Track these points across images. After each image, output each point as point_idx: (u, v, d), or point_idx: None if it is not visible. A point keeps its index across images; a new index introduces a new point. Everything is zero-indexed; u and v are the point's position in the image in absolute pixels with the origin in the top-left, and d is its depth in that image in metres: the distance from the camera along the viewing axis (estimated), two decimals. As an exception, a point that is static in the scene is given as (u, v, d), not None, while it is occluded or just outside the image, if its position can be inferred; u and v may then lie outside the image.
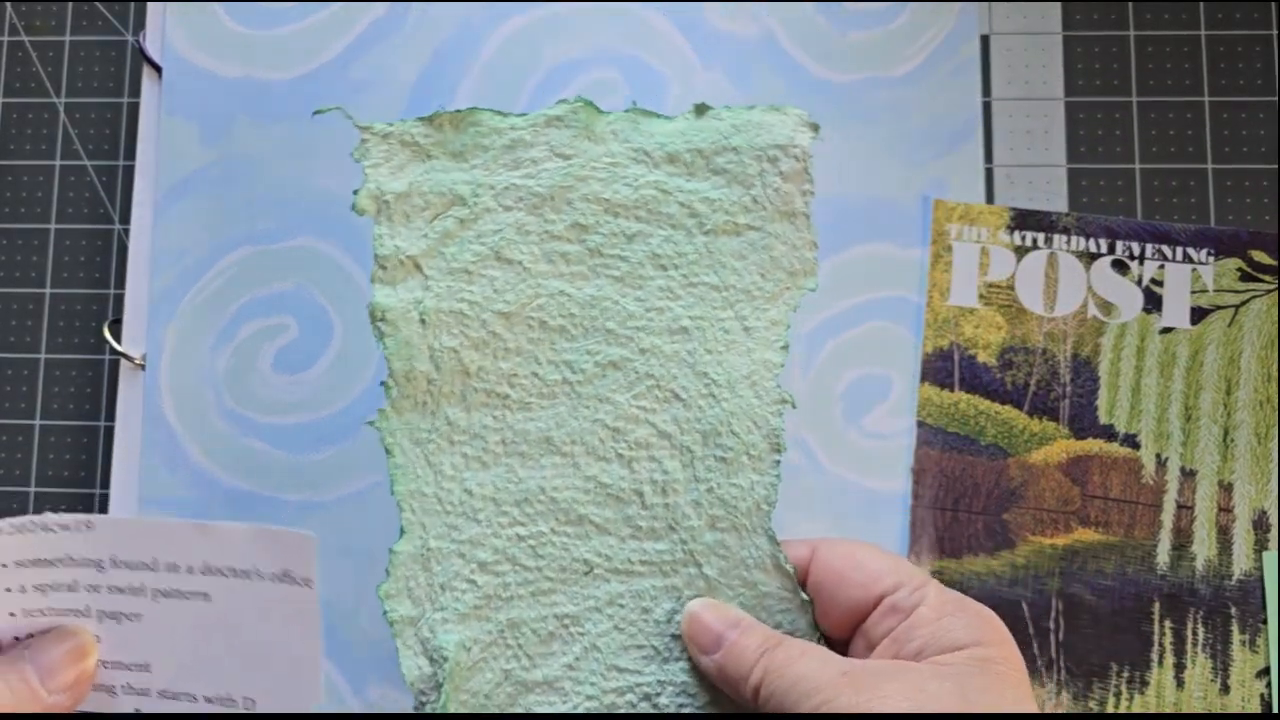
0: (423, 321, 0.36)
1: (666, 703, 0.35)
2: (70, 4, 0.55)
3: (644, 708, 0.35)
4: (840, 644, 0.35)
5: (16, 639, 0.28)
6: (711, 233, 0.37)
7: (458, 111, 0.37)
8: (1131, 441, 0.48)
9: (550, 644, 0.35)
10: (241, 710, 0.28)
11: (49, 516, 0.27)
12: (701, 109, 0.38)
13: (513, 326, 0.36)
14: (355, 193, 0.36)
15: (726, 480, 0.36)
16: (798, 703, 0.30)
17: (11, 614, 0.27)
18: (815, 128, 0.38)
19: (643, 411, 0.36)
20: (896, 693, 0.29)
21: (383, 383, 0.36)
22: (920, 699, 0.29)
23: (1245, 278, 0.49)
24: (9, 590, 0.27)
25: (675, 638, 0.36)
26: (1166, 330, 0.49)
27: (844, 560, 0.35)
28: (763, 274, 0.37)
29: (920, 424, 0.48)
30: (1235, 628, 0.46)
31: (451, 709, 0.34)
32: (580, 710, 0.35)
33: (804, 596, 0.36)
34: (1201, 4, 0.52)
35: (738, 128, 0.38)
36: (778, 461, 0.37)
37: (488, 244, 0.36)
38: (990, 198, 0.50)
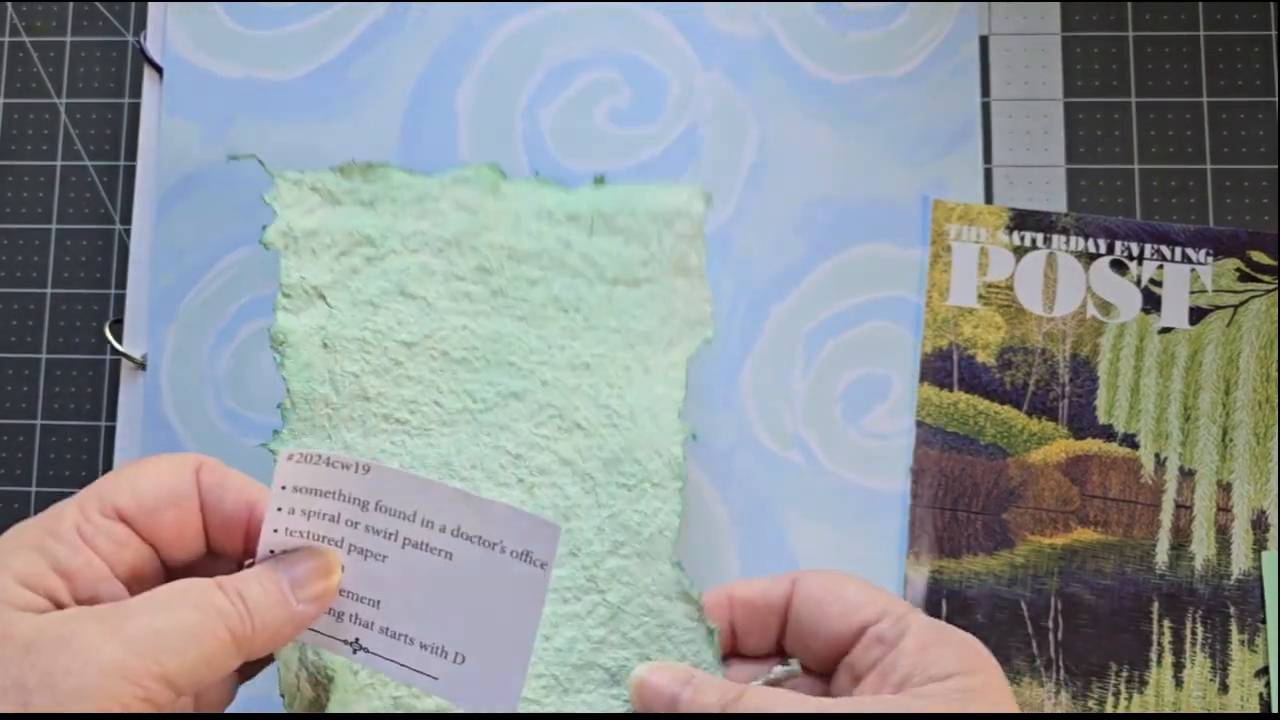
0: (325, 346, 0.36)
1: None
2: (71, 4, 0.55)
3: None
4: (822, 678, 0.35)
5: (272, 553, 0.31)
6: (612, 283, 0.38)
7: (369, 164, 0.38)
8: (1130, 441, 0.48)
9: None
10: (451, 664, 0.30)
11: (334, 455, 0.30)
12: (599, 181, 0.39)
13: (415, 356, 0.37)
14: (264, 228, 0.37)
15: (629, 507, 0.36)
16: None
17: (275, 530, 0.31)
18: (709, 199, 0.40)
19: (544, 440, 0.36)
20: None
21: (279, 405, 0.36)
22: None
23: (1244, 278, 0.49)
24: (280, 510, 0.30)
25: (577, 668, 0.35)
26: (1165, 330, 0.49)
27: (825, 592, 0.34)
28: (662, 321, 0.38)
29: (919, 424, 0.48)
30: (1234, 627, 0.47)
31: None
32: None
33: (709, 626, 0.35)
34: (1201, 4, 0.52)
35: (636, 195, 0.39)
36: (680, 489, 0.36)
37: (393, 280, 0.37)
38: (989, 198, 0.50)
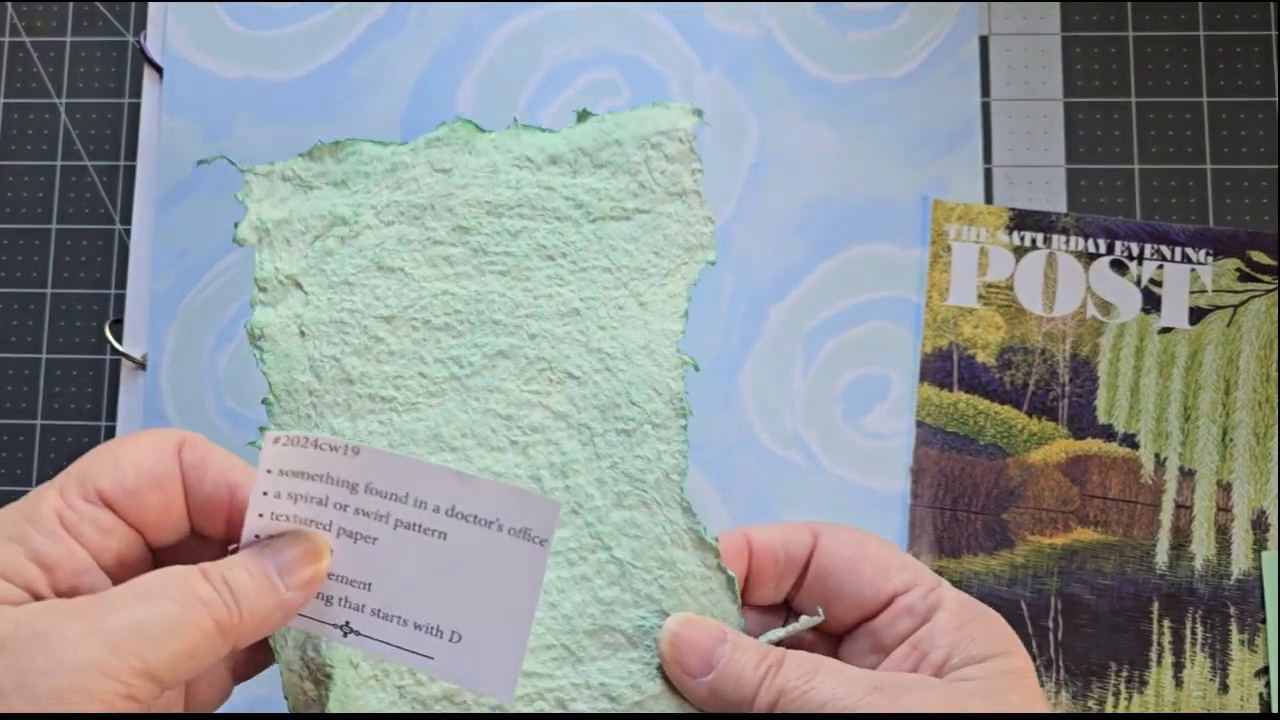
0: (302, 333, 0.35)
1: (583, 709, 0.33)
2: (71, 4, 0.55)
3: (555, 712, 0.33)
4: (833, 638, 0.34)
5: (258, 537, 0.30)
6: (599, 220, 0.36)
7: (337, 142, 0.36)
8: (1130, 441, 0.48)
9: None
10: (446, 643, 0.29)
11: (322, 437, 0.29)
12: (584, 115, 0.37)
13: (395, 330, 0.35)
14: (236, 225, 0.35)
15: (630, 453, 0.34)
16: (836, 709, 0.29)
17: (261, 515, 0.30)
18: (699, 113, 0.36)
19: (535, 396, 0.35)
20: (936, 707, 0.28)
21: (264, 400, 0.34)
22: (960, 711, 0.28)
23: (1244, 278, 0.49)
24: (265, 494, 0.29)
25: (589, 634, 0.33)
26: (1165, 330, 0.49)
27: (852, 550, 0.33)
28: (657, 252, 0.36)
29: (919, 424, 0.48)
30: (1234, 627, 0.47)
31: None
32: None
33: (728, 574, 0.33)
34: (1201, 4, 0.52)
35: (621, 124, 0.36)
36: (684, 427, 0.34)
37: (368, 256, 0.35)
38: (989, 198, 0.50)
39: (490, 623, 0.29)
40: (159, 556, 0.31)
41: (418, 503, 0.29)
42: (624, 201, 0.36)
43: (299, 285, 0.35)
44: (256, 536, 0.30)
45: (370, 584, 0.30)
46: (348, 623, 0.30)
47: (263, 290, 0.35)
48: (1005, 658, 0.30)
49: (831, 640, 0.34)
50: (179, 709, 0.31)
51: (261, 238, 0.35)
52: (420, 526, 0.29)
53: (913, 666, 0.31)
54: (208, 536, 0.31)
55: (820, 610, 0.33)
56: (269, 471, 0.29)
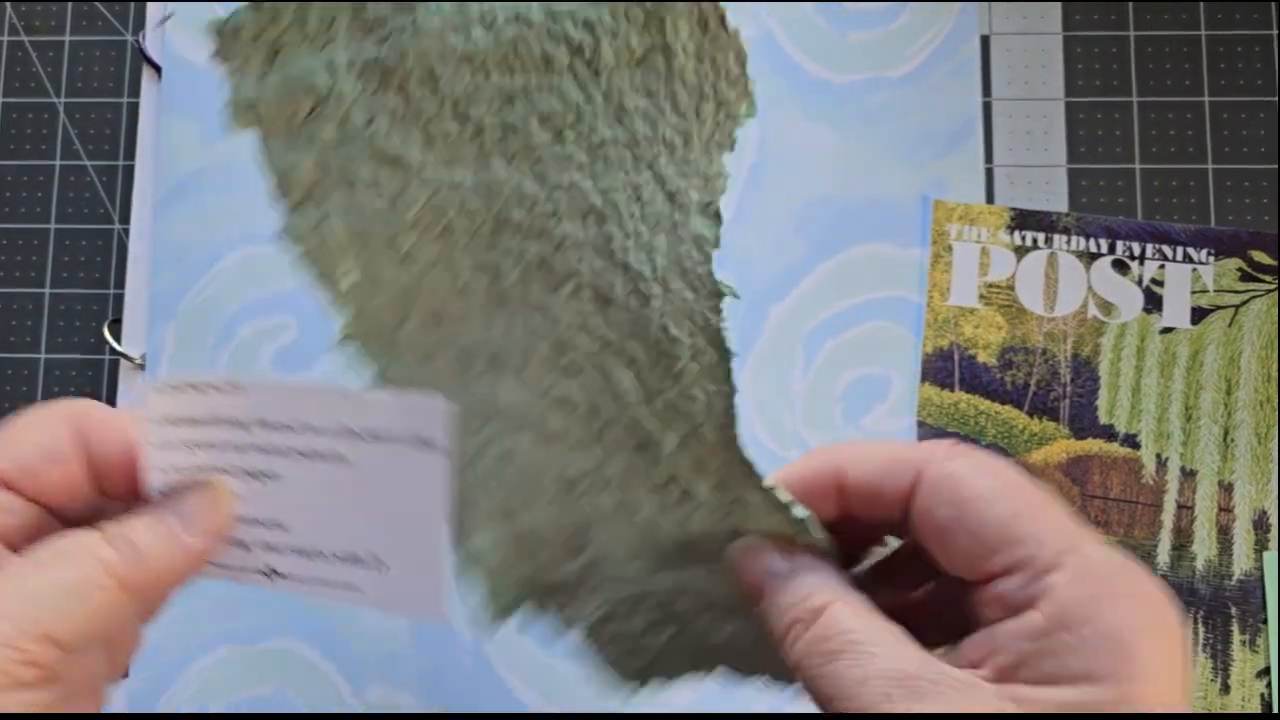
0: (328, 245, 0.30)
1: (685, 607, 0.32)
2: (70, 4, 0.55)
3: (658, 614, 0.32)
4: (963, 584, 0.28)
5: (160, 493, 0.29)
6: (603, 69, 0.28)
7: None
8: (1131, 441, 0.48)
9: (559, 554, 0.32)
10: (371, 571, 0.29)
11: (201, 377, 0.28)
12: None
13: (421, 238, 0.30)
14: (228, 105, 0.32)
15: (679, 394, 0.30)
16: (846, 708, 0.25)
17: (160, 470, 0.29)
18: None
19: (578, 318, 0.30)
20: None
21: (343, 336, 0.31)
22: None
23: (1245, 278, 0.49)
24: (158, 447, 0.29)
25: (677, 544, 0.31)
26: (1167, 330, 0.49)
27: (951, 512, 0.26)
28: (678, 110, 0.28)
29: (920, 424, 0.48)
30: (1235, 628, 0.47)
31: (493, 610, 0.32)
32: (598, 618, 0.32)
33: (796, 516, 0.29)
34: (1201, 4, 0.52)
35: None
36: (729, 370, 0.30)
37: (361, 141, 0.30)
38: (990, 198, 0.50)
39: (409, 542, 0.28)
40: (71, 526, 0.30)
41: (310, 429, 0.28)
42: (630, 39, 0.29)
43: (312, 188, 0.31)
44: (160, 493, 0.29)
45: (284, 522, 0.29)
46: (270, 567, 0.29)
47: (282, 191, 0.30)
48: (1091, 685, 0.23)
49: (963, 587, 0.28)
50: (103, 668, 0.30)
51: (256, 121, 0.32)
52: (319, 454, 0.28)
53: (978, 660, 0.25)
54: (119, 500, 0.31)
55: (890, 540, 0.29)
56: (155, 423, 0.29)
